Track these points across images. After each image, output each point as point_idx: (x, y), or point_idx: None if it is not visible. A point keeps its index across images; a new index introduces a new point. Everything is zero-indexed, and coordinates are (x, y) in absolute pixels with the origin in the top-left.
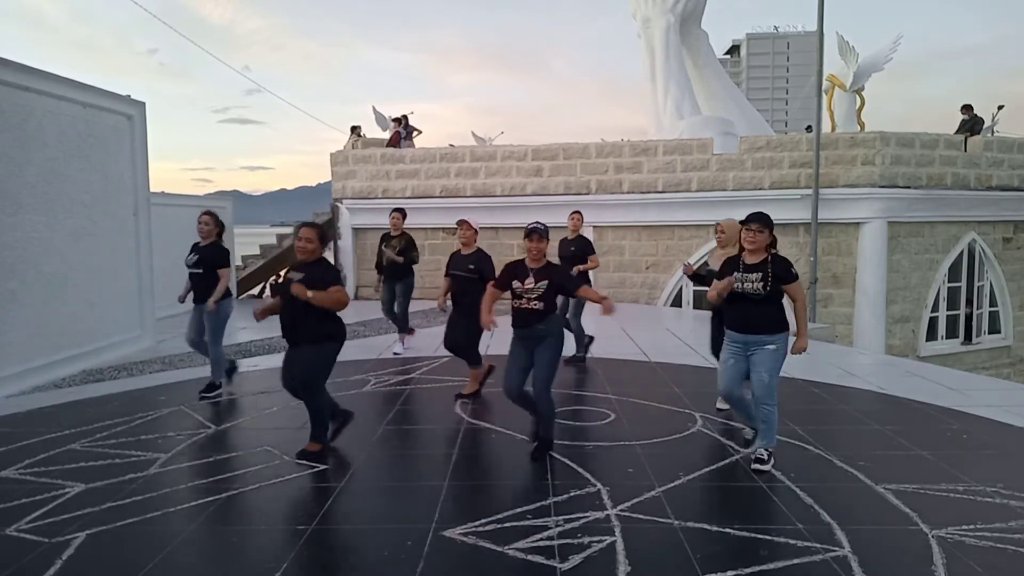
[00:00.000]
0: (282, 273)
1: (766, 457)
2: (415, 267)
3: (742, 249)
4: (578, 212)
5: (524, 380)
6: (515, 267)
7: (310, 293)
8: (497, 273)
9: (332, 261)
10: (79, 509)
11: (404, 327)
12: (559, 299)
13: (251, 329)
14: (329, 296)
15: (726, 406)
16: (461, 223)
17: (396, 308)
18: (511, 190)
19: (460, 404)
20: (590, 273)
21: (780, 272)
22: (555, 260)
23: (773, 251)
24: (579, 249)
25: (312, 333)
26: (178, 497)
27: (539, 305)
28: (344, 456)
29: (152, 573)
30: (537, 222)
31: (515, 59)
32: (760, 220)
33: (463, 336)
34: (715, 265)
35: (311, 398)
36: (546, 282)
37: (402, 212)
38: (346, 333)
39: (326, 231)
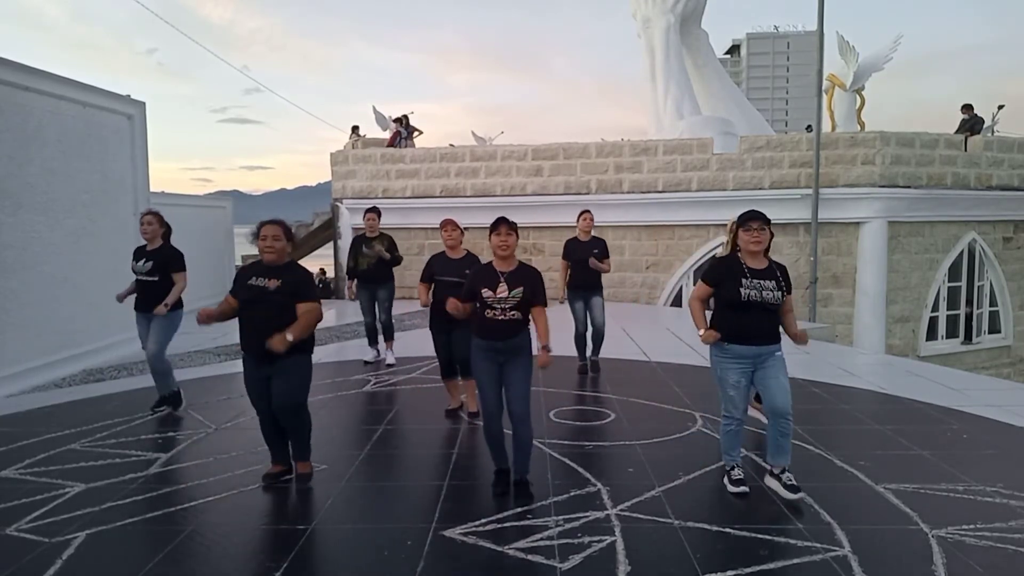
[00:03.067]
0: (263, 281)
1: (795, 481)
2: (396, 270)
3: (735, 249)
4: (589, 211)
5: (503, 403)
6: (483, 272)
7: (290, 336)
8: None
9: (333, 262)
10: (79, 509)
11: (391, 334)
12: (575, 304)
13: None
14: (309, 322)
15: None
16: (446, 224)
17: (380, 315)
18: (511, 190)
19: (467, 413)
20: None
21: (788, 280)
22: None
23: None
24: (602, 251)
25: (298, 344)
26: (178, 497)
27: (517, 315)
28: (344, 456)
29: (152, 573)
30: (501, 216)
31: (515, 59)
32: (762, 218)
33: (466, 349)
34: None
35: (301, 416)
36: (521, 289)
37: (377, 212)
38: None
39: (291, 229)
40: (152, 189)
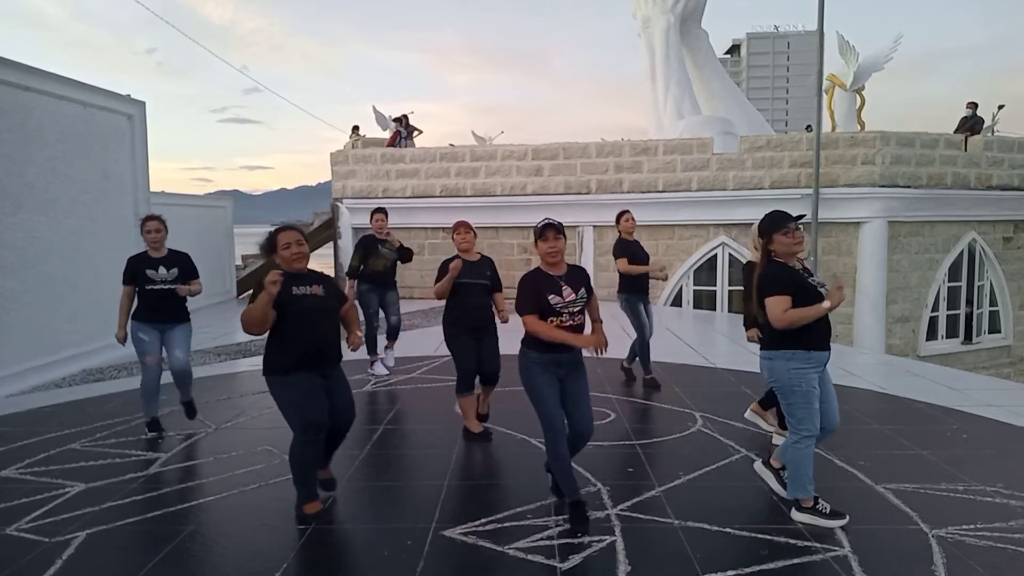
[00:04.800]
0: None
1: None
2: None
3: (769, 253)
4: (630, 211)
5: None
6: (538, 280)
7: (360, 333)
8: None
9: (333, 263)
10: (79, 509)
11: (396, 336)
12: (637, 307)
13: None
14: (356, 321)
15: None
16: (460, 226)
17: (390, 317)
18: (511, 190)
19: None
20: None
21: None
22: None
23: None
24: (646, 252)
25: (340, 353)
26: (178, 497)
27: (581, 319)
28: (344, 456)
29: (152, 573)
30: (548, 217)
31: (515, 59)
32: (796, 218)
33: (497, 358)
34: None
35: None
36: (584, 289)
37: (386, 212)
38: None
39: (303, 230)
40: (152, 189)
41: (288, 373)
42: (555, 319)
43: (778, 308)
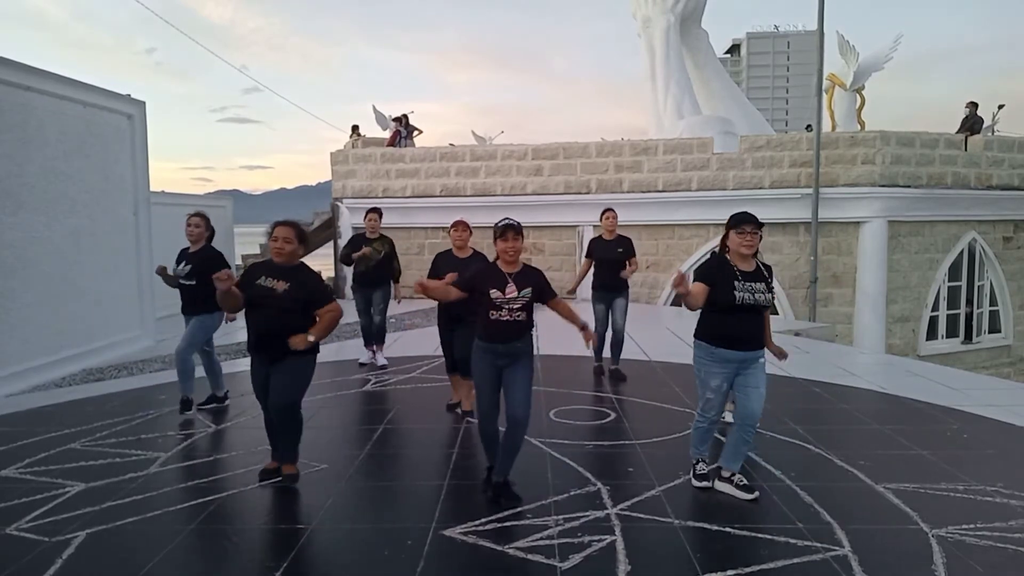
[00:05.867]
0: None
1: (747, 480)
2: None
3: (724, 250)
4: (612, 210)
5: (499, 404)
6: (490, 273)
7: (312, 337)
8: None
9: (333, 262)
10: (79, 508)
11: (382, 339)
12: (597, 306)
13: None
14: (331, 323)
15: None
16: (457, 224)
17: (375, 316)
18: (511, 189)
19: (462, 411)
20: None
21: (772, 281)
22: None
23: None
24: (627, 251)
25: (291, 347)
26: (178, 496)
27: (522, 316)
28: (344, 456)
29: (152, 573)
30: (508, 217)
31: (515, 59)
32: (755, 221)
33: (466, 348)
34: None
35: (294, 416)
36: (530, 289)
37: (379, 212)
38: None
39: (305, 231)
40: (152, 189)
41: (249, 354)
42: (495, 312)
43: (693, 288)
